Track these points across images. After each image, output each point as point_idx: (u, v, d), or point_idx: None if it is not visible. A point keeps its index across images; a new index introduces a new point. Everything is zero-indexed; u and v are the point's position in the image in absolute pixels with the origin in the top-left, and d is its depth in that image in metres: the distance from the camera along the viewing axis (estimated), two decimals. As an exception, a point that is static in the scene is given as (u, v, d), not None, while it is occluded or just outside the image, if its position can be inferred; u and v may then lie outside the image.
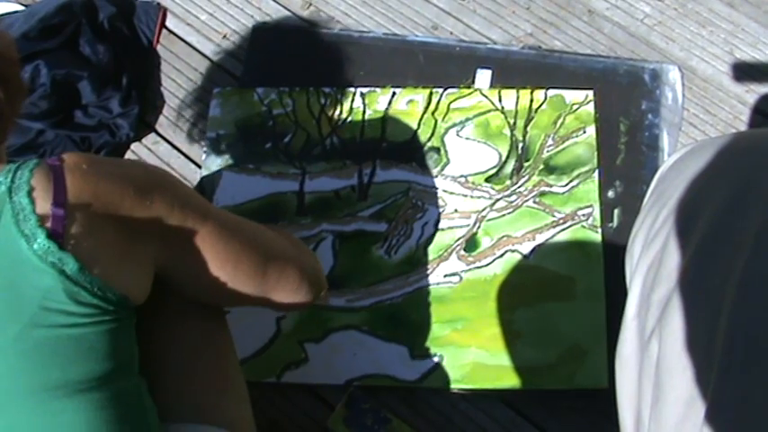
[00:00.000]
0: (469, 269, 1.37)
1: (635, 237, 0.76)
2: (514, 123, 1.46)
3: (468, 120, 1.48)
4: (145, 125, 1.57)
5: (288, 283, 0.99)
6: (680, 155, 0.77)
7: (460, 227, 1.40)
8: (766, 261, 0.62)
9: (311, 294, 1.03)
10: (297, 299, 1.01)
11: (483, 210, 1.41)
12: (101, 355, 0.77)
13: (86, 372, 0.76)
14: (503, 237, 1.39)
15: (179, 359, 0.95)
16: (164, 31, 1.65)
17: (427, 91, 1.51)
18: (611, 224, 1.39)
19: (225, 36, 1.64)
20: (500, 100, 1.49)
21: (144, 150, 1.55)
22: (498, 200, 1.41)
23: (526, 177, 1.42)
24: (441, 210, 1.41)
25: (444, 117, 1.48)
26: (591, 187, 1.41)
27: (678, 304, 0.65)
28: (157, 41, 1.64)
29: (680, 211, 0.70)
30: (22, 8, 1.67)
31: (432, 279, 1.37)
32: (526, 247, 1.38)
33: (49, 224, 0.74)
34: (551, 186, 1.42)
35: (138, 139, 1.55)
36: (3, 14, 1.64)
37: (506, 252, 1.38)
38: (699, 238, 0.66)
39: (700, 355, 0.63)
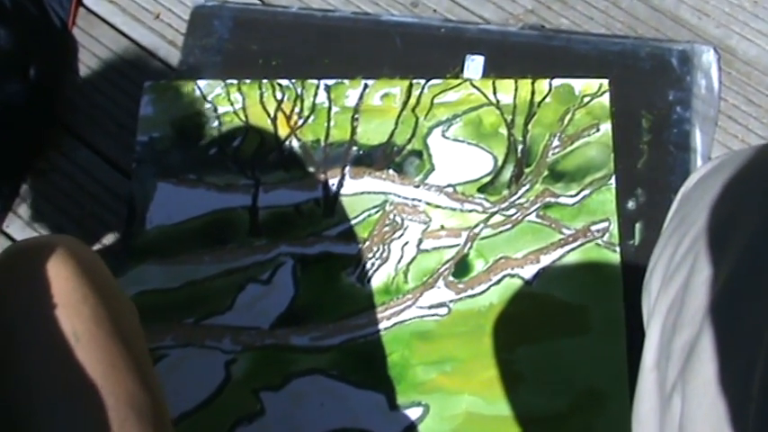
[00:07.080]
0: (460, 298, 1.38)
1: (653, 270, 0.77)
2: (512, 121, 1.48)
3: (455, 117, 1.49)
4: (61, 127, 1.56)
5: None
6: (706, 170, 0.78)
7: (448, 247, 1.41)
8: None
9: None
10: None
11: (475, 226, 1.42)
12: None
13: None
14: (500, 259, 1.40)
15: None
16: (81, 9, 1.65)
17: (406, 83, 1.52)
18: (631, 242, 1.41)
19: (158, 16, 1.64)
20: (495, 92, 1.50)
21: (61, 159, 1.54)
22: (494, 214, 1.42)
23: (527, 186, 1.44)
24: (424, 227, 1.42)
25: (427, 114, 1.49)
26: (607, 197, 1.42)
27: (704, 353, 0.66)
28: (73, 23, 1.63)
29: (705, 240, 0.71)
30: None
31: (414, 311, 1.38)
32: (528, 271, 1.39)
33: None
34: (558, 197, 1.43)
35: (53, 144, 1.55)
36: None
37: (504, 277, 1.39)
38: (728, 272, 0.67)
39: (730, 413, 0.64)
